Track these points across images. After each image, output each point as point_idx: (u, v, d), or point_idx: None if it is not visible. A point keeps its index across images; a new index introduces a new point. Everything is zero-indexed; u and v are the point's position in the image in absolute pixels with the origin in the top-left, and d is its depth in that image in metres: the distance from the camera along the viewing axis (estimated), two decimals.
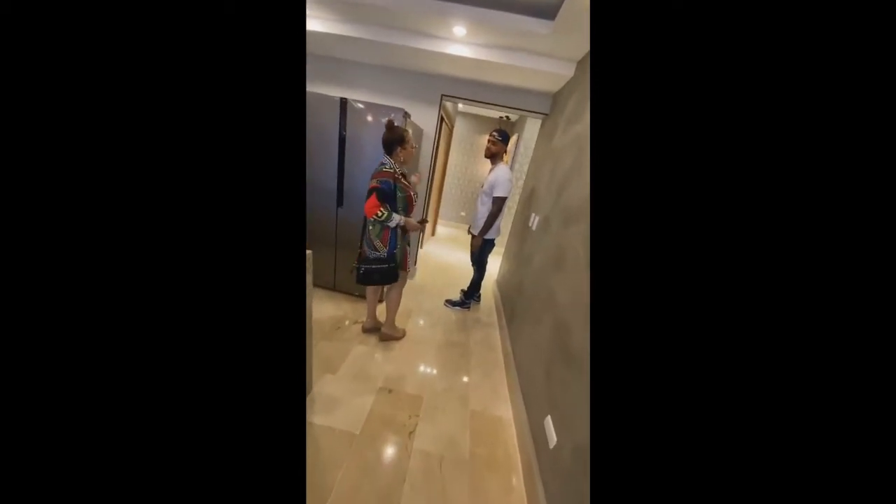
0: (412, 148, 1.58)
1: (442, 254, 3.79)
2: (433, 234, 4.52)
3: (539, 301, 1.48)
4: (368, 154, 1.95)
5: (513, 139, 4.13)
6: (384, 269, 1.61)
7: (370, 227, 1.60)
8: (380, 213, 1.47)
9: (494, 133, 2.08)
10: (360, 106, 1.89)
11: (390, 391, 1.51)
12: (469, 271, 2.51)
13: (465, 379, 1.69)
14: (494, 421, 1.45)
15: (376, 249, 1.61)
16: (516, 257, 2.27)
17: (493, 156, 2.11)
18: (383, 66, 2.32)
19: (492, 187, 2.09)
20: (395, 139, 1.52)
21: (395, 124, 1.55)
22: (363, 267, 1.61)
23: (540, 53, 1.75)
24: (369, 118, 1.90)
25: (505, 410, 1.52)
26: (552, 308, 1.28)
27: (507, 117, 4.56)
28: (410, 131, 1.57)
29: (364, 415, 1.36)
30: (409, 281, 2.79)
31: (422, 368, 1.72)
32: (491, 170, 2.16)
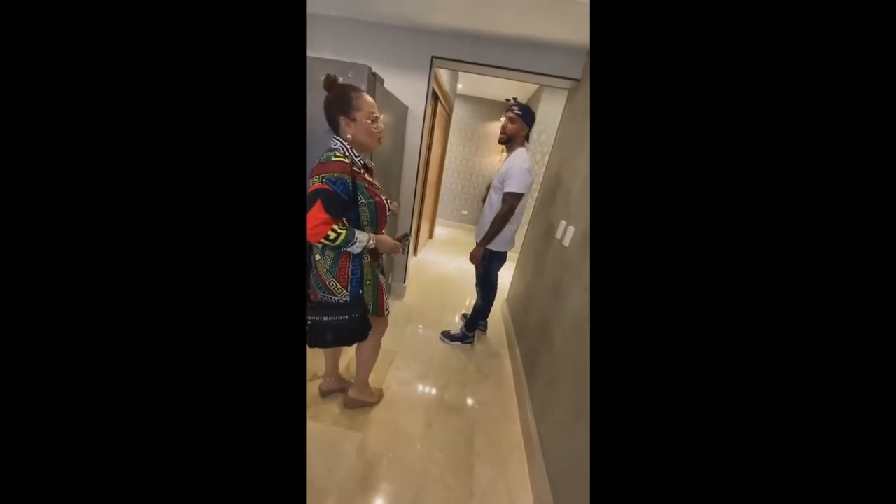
0: (369, 120, 0.91)
1: (440, 262, 3.19)
2: (430, 236, 3.92)
3: (585, 378, 0.88)
4: (323, 137, 1.34)
5: None
6: (345, 323, 0.98)
7: (317, 257, 0.98)
8: (331, 236, 0.86)
9: (514, 108, 1.48)
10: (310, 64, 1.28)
11: None
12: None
13: (468, 483, 1.11)
14: None
15: (331, 292, 0.98)
16: (534, 277, 1.66)
17: (511, 139, 1.52)
18: (352, 19, 1.70)
19: (503, 179, 1.50)
20: (335, 102, 0.88)
21: (338, 80, 0.90)
22: (311, 319, 0.97)
23: None
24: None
25: None
26: None
27: (514, 99, 3.91)
28: (366, 94, 0.92)
29: None
30: (394, 302, 2.20)
31: (398, 464, 1.13)
32: (505, 158, 1.57)
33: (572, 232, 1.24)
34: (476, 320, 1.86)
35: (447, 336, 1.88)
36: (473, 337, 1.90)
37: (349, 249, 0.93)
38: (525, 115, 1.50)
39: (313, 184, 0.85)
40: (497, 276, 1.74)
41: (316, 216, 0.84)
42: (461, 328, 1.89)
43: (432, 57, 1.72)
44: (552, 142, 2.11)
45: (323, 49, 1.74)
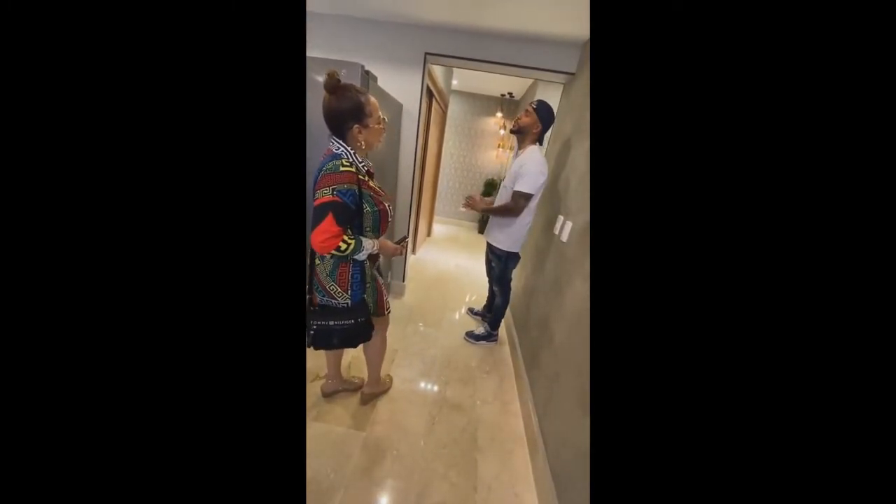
0: (378, 125, 0.92)
1: (439, 260, 3.19)
2: (429, 234, 3.92)
3: (580, 372, 0.89)
4: (317, 139, 1.33)
5: None
6: (349, 327, 0.99)
7: (318, 262, 0.99)
8: (342, 247, 0.86)
9: (532, 103, 1.48)
10: None
11: None
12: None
13: (472, 478, 1.12)
14: None
15: (331, 296, 0.98)
16: (534, 273, 1.67)
17: (521, 131, 1.49)
18: (344, 16, 1.68)
19: (515, 178, 1.48)
20: (346, 109, 0.86)
21: (343, 81, 0.88)
22: (315, 324, 0.98)
23: None
24: (314, 78, 1.28)
25: None
26: None
27: (509, 94, 3.89)
28: (370, 94, 0.92)
29: None
30: (394, 301, 2.20)
31: (403, 461, 1.14)
32: (517, 154, 1.55)
33: (570, 227, 1.24)
34: (499, 318, 1.86)
35: (472, 336, 1.87)
36: (497, 336, 1.89)
37: (355, 258, 0.93)
38: (540, 111, 1.46)
39: (324, 195, 0.84)
40: (511, 276, 1.75)
41: (328, 229, 0.83)
42: (485, 327, 1.88)
43: (426, 53, 1.71)
44: (548, 136, 2.10)
45: (314, 47, 1.72)
